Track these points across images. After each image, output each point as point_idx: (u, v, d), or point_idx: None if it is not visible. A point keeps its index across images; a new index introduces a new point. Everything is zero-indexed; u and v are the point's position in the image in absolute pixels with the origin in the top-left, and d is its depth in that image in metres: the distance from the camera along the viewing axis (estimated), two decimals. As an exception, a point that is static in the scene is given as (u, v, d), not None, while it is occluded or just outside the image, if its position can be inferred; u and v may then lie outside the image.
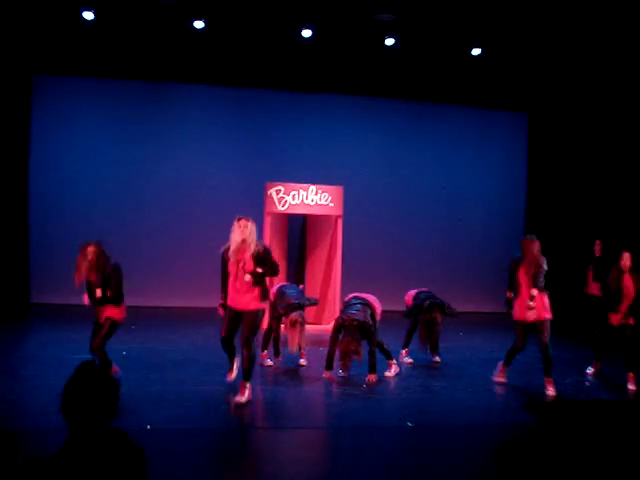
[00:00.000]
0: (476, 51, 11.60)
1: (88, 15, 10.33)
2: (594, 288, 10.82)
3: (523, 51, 11.57)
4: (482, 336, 10.41)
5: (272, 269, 6.51)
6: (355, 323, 7.39)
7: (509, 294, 7.62)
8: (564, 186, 13.09)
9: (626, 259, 7.84)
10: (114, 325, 6.53)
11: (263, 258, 6.39)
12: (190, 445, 5.39)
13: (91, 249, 6.45)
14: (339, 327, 7.55)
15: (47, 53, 11.50)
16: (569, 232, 12.83)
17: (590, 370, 8.27)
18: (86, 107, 12.64)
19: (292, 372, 7.99)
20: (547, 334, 7.23)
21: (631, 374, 7.71)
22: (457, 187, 13.88)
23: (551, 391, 7.27)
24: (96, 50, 11.55)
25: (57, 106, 12.36)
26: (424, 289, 8.85)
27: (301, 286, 8.91)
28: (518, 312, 7.40)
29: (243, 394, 6.38)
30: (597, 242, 11.25)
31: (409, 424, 6.02)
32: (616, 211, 11.79)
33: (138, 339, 9.05)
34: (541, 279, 7.36)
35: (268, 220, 10.83)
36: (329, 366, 7.68)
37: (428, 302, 8.33)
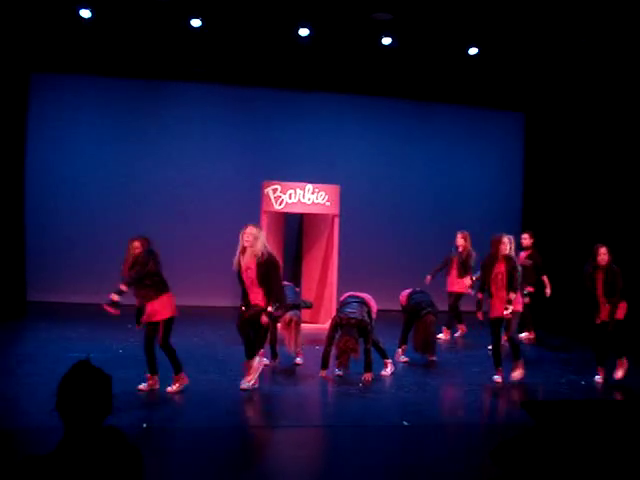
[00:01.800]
0: (473, 50, 11.61)
1: (85, 13, 10.33)
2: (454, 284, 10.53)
3: (520, 50, 11.57)
4: (478, 335, 10.42)
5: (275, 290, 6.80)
6: (353, 322, 7.40)
7: (480, 295, 7.84)
8: (561, 185, 13.11)
9: (603, 254, 7.74)
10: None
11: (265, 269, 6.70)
12: (186, 444, 5.39)
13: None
14: (336, 326, 7.56)
15: (44, 51, 11.48)
16: (565, 231, 12.85)
17: (598, 377, 7.89)
18: (83, 105, 12.63)
19: (288, 371, 8.00)
20: (515, 324, 7.78)
21: (620, 360, 7.84)
22: (454, 186, 13.89)
23: (518, 373, 7.64)
24: (93, 48, 11.53)
25: (54, 104, 12.34)
26: (417, 288, 9.00)
27: (297, 289, 8.93)
28: (495, 310, 7.68)
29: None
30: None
31: (405, 423, 6.03)
32: (613, 210, 11.81)
33: (134, 338, 9.02)
34: (517, 280, 7.64)
35: (265, 219, 10.83)
36: (325, 365, 7.70)
37: (424, 312, 8.40)
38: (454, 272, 10.40)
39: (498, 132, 14.18)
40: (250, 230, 6.73)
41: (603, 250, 7.77)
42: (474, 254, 10.33)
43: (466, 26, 10.83)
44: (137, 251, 6.72)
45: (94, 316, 11.12)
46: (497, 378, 7.73)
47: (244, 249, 6.74)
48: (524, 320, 10.41)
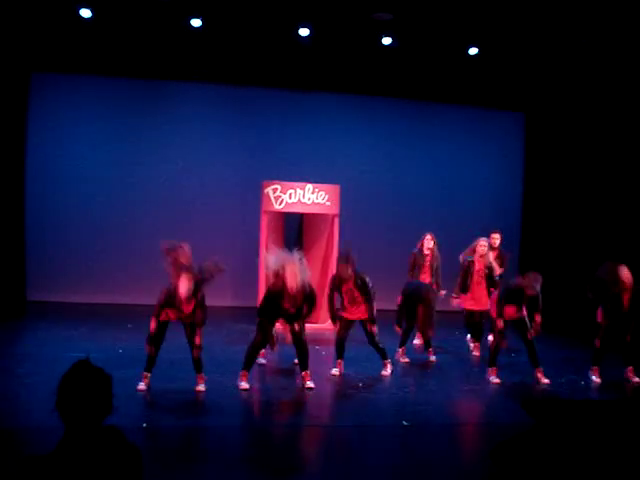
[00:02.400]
0: (473, 50, 11.60)
1: (85, 13, 10.33)
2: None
3: (521, 50, 11.57)
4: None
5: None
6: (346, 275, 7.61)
7: (501, 324, 7.76)
8: (561, 186, 13.12)
9: (628, 273, 7.56)
10: None
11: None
12: (186, 443, 5.40)
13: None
14: (333, 280, 7.91)
15: (45, 51, 11.47)
16: (565, 231, 12.85)
17: (595, 377, 7.91)
18: (83, 105, 12.62)
19: (288, 371, 8.00)
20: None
21: (631, 367, 7.92)
22: (454, 186, 13.88)
23: (544, 380, 7.68)
24: (94, 48, 11.53)
25: (54, 103, 12.33)
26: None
27: None
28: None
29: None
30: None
31: (404, 423, 6.04)
32: (613, 210, 11.81)
33: (134, 337, 9.03)
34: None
35: (265, 219, 10.85)
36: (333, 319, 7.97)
37: (425, 291, 8.53)
38: (427, 277, 9.91)
39: (498, 132, 14.17)
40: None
41: (626, 270, 7.54)
42: (439, 256, 10.04)
43: (466, 26, 10.83)
44: (185, 259, 6.81)
45: (94, 316, 11.14)
46: (494, 379, 7.71)
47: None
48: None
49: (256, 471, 5.00)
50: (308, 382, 7.14)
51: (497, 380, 7.69)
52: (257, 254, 10.82)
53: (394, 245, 13.48)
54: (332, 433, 5.97)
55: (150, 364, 6.83)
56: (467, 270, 9.35)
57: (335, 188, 11.12)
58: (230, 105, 13.10)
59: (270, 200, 10.81)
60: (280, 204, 10.85)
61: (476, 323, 9.40)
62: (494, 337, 7.99)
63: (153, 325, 6.73)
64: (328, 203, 11.01)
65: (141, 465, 2.41)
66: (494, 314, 7.82)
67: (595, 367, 7.92)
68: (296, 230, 12.52)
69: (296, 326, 7.12)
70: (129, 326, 9.44)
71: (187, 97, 13.02)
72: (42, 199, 12.10)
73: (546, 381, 7.68)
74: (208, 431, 5.74)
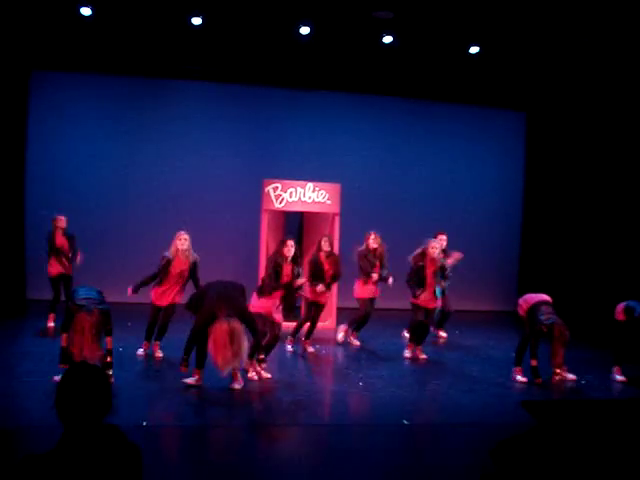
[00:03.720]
0: (474, 49, 11.59)
1: (86, 11, 10.32)
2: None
3: (522, 49, 11.55)
4: (479, 334, 10.45)
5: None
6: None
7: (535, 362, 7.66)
8: (562, 185, 13.11)
9: None
10: None
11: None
12: (186, 442, 5.39)
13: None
14: None
15: (45, 49, 11.46)
16: (566, 231, 12.85)
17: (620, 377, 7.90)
18: (83, 103, 12.60)
19: (284, 369, 7.99)
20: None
21: None
22: (454, 185, 13.86)
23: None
24: (94, 46, 11.52)
25: (55, 101, 12.31)
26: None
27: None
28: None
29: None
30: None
31: (405, 422, 6.03)
32: (614, 210, 11.81)
33: (134, 336, 9.03)
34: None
35: (265, 217, 10.84)
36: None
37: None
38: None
39: (499, 131, 14.14)
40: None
41: None
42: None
43: (467, 25, 10.82)
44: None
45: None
46: (520, 378, 7.70)
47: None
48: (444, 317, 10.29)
49: (256, 469, 4.99)
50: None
51: (524, 379, 7.65)
52: (257, 253, 10.85)
53: (394, 244, 13.46)
54: (332, 432, 5.96)
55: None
56: (418, 274, 8.97)
57: (335, 187, 11.11)
58: (230, 103, 13.08)
59: (270, 199, 10.80)
60: (280, 203, 10.84)
61: (422, 324, 8.86)
62: (524, 335, 7.78)
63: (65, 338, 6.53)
64: (329, 202, 11.01)
65: (141, 464, 2.41)
66: (522, 312, 7.74)
67: (617, 367, 7.89)
68: (296, 229, 12.50)
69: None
70: (129, 324, 9.42)
71: (187, 95, 13.01)
72: (42, 197, 12.07)
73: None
74: (208, 429, 5.73)
